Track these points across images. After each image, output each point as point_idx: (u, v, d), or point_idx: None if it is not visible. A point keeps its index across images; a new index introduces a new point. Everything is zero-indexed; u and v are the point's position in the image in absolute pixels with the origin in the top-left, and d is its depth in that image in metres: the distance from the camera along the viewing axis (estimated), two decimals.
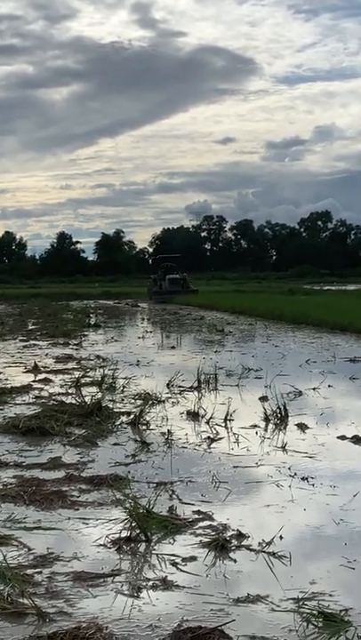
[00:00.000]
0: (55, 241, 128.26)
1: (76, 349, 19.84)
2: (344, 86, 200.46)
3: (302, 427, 9.25)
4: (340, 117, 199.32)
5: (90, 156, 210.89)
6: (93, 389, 11.97)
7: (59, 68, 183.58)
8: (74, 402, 10.59)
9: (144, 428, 9.31)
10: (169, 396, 11.68)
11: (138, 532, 5.45)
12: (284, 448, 8.17)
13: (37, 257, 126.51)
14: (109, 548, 5.29)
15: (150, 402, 10.77)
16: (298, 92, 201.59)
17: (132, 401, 11.10)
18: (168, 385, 12.49)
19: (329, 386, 12.45)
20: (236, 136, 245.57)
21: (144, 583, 4.70)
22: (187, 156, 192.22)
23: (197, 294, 53.03)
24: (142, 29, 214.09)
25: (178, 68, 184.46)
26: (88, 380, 13.19)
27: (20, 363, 16.61)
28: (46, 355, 18.29)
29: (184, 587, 4.64)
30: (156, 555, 5.18)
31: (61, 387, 12.72)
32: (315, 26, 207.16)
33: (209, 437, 8.75)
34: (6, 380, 13.75)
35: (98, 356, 17.60)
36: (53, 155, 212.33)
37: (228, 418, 9.61)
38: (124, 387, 12.40)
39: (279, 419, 9.61)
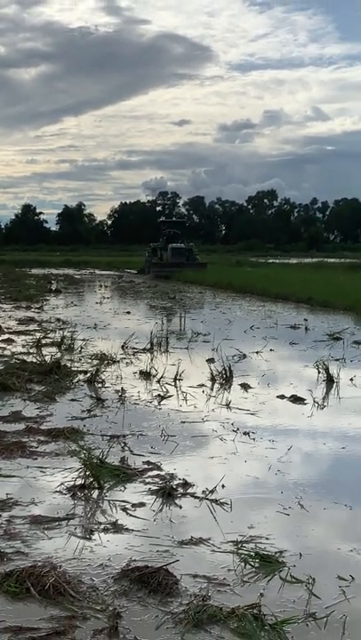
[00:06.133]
0: (20, 211, 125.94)
1: (38, 312, 19.68)
2: (293, 75, 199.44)
3: (245, 387, 9.31)
4: (288, 104, 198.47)
5: (55, 133, 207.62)
6: (53, 349, 11.90)
7: (29, 49, 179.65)
8: (34, 360, 10.51)
9: (99, 385, 9.28)
10: (123, 356, 11.65)
11: (91, 480, 5.45)
12: (228, 406, 8.22)
13: (3, 226, 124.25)
14: (65, 494, 5.29)
15: (106, 362, 10.74)
16: (250, 78, 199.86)
17: (89, 361, 11.05)
18: (123, 346, 12.47)
19: (271, 350, 12.53)
20: (191, 118, 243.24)
21: (96, 526, 4.71)
22: (145, 135, 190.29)
23: (206, 268, 40.62)
24: (108, 16, 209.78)
25: (140, 53, 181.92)
26: (48, 340, 13.11)
27: None
28: (9, 317, 18.10)
29: (133, 530, 4.66)
30: (108, 501, 5.19)
31: (23, 346, 12.61)
32: (268, 18, 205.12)
33: (159, 395, 8.76)
34: None
35: (58, 319, 17.48)
36: (20, 131, 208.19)
37: (178, 377, 9.62)
38: (81, 347, 12.34)
39: (224, 379, 9.65)
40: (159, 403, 8.39)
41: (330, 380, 9.65)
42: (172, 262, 41.57)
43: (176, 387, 9.29)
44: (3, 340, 13.38)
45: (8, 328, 15.38)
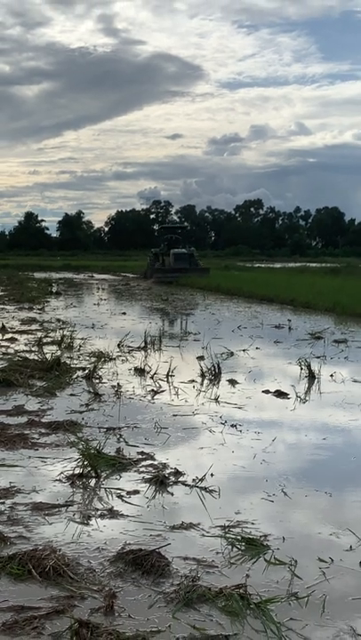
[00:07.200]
0: (23, 219, 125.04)
1: (40, 313, 19.63)
2: (277, 92, 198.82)
3: (233, 382, 9.32)
4: (273, 119, 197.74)
5: (56, 146, 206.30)
6: (54, 348, 11.88)
7: (32, 68, 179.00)
8: (36, 358, 10.48)
9: (97, 381, 9.28)
10: (119, 354, 11.64)
11: (89, 469, 5.45)
12: (216, 400, 8.22)
13: (7, 233, 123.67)
14: (64, 482, 5.28)
15: (103, 359, 10.73)
16: (238, 95, 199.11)
17: (87, 358, 11.04)
18: (119, 345, 12.46)
19: (257, 348, 12.55)
20: (183, 132, 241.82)
21: (93, 512, 4.71)
22: (140, 148, 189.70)
23: (209, 274, 37.33)
24: (106, 37, 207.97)
25: (135, 72, 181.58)
26: (49, 339, 13.09)
27: None
28: (13, 317, 18.05)
29: (128, 516, 4.66)
30: (105, 489, 5.18)
31: (26, 345, 12.60)
32: (255, 39, 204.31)
33: (153, 390, 8.75)
34: None
35: (58, 320, 17.45)
36: (24, 144, 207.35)
37: (170, 374, 9.62)
38: (80, 346, 12.33)
39: (213, 375, 9.65)
40: (152, 397, 8.38)
41: (311, 376, 9.66)
42: (175, 267, 38.64)
43: (168, 382, 9.29)
44: (6, 339, 13.36)
45: (12, 328, 15.36)
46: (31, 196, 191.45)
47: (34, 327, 15.72)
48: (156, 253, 42.43)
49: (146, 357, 11.26)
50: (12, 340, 13.35)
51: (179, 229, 47.27)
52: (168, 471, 5.54)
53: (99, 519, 4.60)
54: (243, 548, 4.17)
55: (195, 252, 42.16)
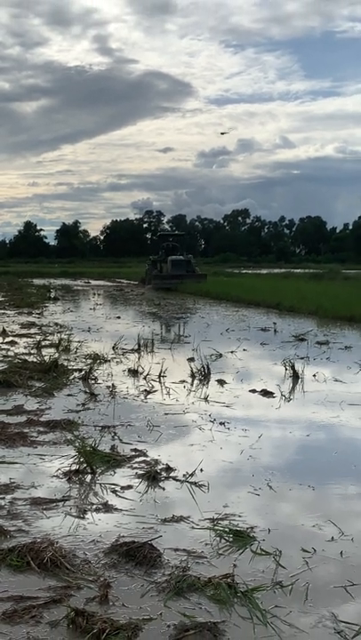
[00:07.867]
0: (22, 228, 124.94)
1: (38, 318, 19.58)
2: (263, 108, 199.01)
3: (221, 382, 9.32)
4: (259, 133, 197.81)
5: (53, 159, 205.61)
6: (52, 350, 11.84)
7: (31, 85, 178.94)
8: (35, 360, 10.46)
9: (93, 382, 9.26)
10: (114, 356, 11.63)
11: (85, 465, 5.43)
12: (206, 399, 8.22)
13: (7, 241, 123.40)
14: (61, 478, 5.27)
15: (98, 361, 10.71)
16: (225, 111, 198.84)
17: (84, 360, 11.01)
18: (113, 347, 12.44)
19: (244, 350, 12.55)
20: (174, 146, 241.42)
21: (89, 507, 4.70)
22: (133, 161, 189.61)
23: (205, 280, 36.68)
24: (101, 56, 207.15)
25: (129, 89, 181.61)
26: (47, 342, 13.05)
27: None
28: (13, 322, 17.99)
29: (121, 509, 4.65)
30: (100, 484, 5.18)
31: (25, 348, 12.56)
32: (241, 58, 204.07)
33: (145, 390, 8.74)
34: None
35: (56, 324, 17.41)
36: (23, 157, 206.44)
37: (162, 374, 9.61)
38: (77, 348, 12.30)
39: (203, 376, 9.65)
40: (145, 397, 8.37)
41: (295, 376, 9.67)
42: (172, 274, 37.25)
43: (160, 383, 9.28)
44: (7, 342, 13.32)
45: (12, 331, 15.30)
46: (30, 206, 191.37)
47: (33, 331, 15.67)
48: (154, 260, 40.90)
49: (139, 359, 11.24)
50: (12, 343, 13.31)
51: (170, 237, 45.58)
52: (160, 467, 5.53)
53: (94, 513, 4.59)
54: (230, 539, 4.17)
55: (192, 258, 41.03)
